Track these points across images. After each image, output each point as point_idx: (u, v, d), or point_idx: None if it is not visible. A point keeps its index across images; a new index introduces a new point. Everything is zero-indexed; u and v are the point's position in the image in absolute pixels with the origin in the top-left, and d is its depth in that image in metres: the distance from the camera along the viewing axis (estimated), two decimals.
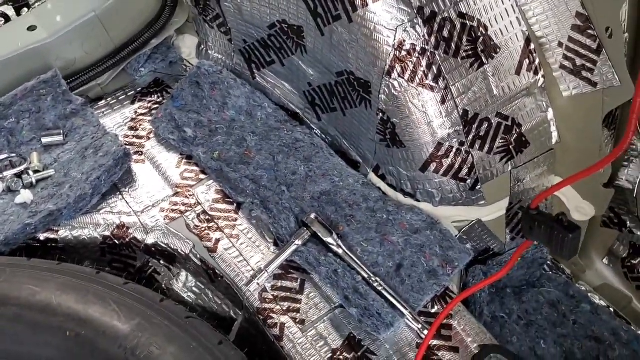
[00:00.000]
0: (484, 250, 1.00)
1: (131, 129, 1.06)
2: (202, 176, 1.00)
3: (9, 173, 0.96)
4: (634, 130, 0.62)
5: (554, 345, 0.95)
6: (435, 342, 0.85)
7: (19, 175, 0.96)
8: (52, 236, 0.93)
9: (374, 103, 0.88)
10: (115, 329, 0.77)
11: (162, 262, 0.96)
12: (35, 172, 0.96)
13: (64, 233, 0.94)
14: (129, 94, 1.11)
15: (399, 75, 0.83)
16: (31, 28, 1.00)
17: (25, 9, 1.13)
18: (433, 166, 0.89)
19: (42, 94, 1.00)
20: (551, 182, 0.98)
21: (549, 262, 1.09)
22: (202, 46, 1.11)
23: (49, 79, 1.00)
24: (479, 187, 0.92)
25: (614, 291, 1.08)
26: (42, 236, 0.93)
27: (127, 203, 0.97)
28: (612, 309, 1.06)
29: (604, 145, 0.98)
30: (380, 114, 0.88)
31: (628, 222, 1.04)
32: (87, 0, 1.03)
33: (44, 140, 0.99)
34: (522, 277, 1.03)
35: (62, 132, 1.00)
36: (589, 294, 1.06)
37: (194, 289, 0.96)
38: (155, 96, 1.11)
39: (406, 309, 0.84)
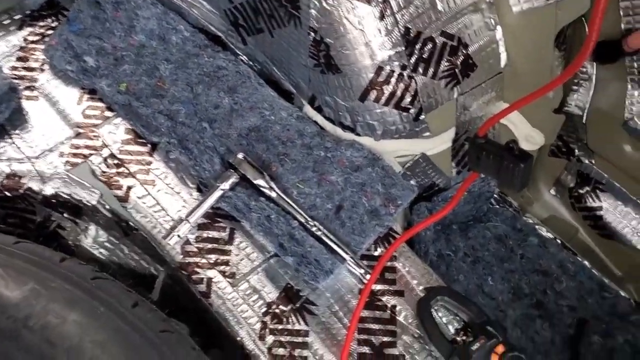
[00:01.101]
0: (429, 186, 0.93)
1: (20, 59, 0.89)
2: (108, 113, 0.86)
3: None
4: (594, 42, 0.54)
5: (501, 281, 0.90)
6: (379, 286, 0.77)
7: None
8: None
9: (304, 20, 0.76)
10: (3, 297, 0.65)
11: (66, 215, 0.83)
12: None
13: None
14: (15, 18, 0.93)
15: None
16: None
17: None
18: (373, 94, 0.79)
19: None
20: (499, 110, 0.91)
21: (495, 196, 1.04)
22: None
23: None
24: (423, 116, 0.83)
25: (561, 222, 1.04)
26: None
27: (19, 148, 0.82)
28: (559, 241, 1.03)
29: (554, 67, 0.90)
30: (312, 33, 0.76)
31: (576, 150, 0.99)
32: None
33: None
34: (468, 212, 0.97)
35: None
36: (536, 227, 1.02)
37: (106, 244, 0.84)
38: (49, 20, 0.93)
39: (347, 254, 0.76)
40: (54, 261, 0.70)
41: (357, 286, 0.77)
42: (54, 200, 0.80)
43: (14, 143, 0.83)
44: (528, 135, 0.90)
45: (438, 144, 0.87)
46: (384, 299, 0.77)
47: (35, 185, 0.80)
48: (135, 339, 0.66)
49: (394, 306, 0.77)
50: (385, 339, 0.75)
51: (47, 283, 0.66)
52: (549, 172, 1.04)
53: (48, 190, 0.80)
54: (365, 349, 0.74)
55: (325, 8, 0.72)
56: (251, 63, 0.91)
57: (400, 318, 0.76)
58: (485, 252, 0.93)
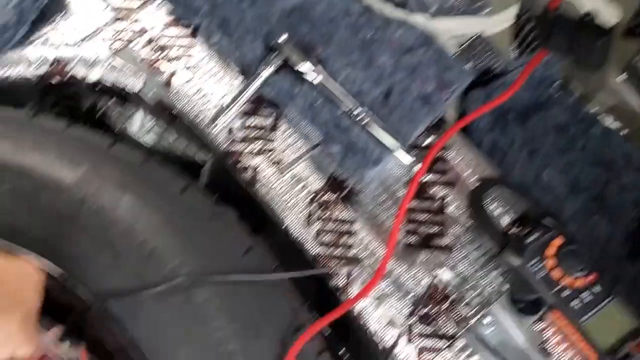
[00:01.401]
0: (486, 70, 0.86)
1: None
2: None
3: None
4: None
5: (560, 173, 0.85)
6: (428, 177, 0.75)
7: None
8: None
9: None
10: (58, 180, 0.66)
11: (112, 101, 0.83)
12: None
13: None
14: None
15: None
16: None
17: None
18: None
19: None
20: None
21: (557, 83, 0.96)
22: None
23: None
24: None
25: (629, 111, 0.96)
26: None
27: (62, 33, 0.81)
28: (624, 132, 0.95)
29: None
30: None
31: None
32: None
33: None
34: (527, 100, 0.90)
35: None
36: (601, 116, 0.95)
37: (152, 131, 0.84)
38: None
39: (396, 142, 0.73)
40: (104, 145, 0.71)
41: (406, 176, 0.75)
42: (98, 87, 0.80)
43: (56, 28, 0.81)
44: (601, 10, 0.81)
45: (498, 23, 0.79)
46: (434, 189, 0.75)
47: (79, 72, 0.79)
48: (186, 221, 0.67)
49: (444, 197, 0.74)
50: (434, 229, 0.73)
51: (99, 166, 0.67)
52: (620, 54, 0.95)
53: (92, 76, 0.79)
54: (413, 239, 0.73)
55: None
56: None
57: (450, 209, 0.74)
58: (544, 142, 0.88)
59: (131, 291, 0.63)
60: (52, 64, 0.79)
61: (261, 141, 0.76)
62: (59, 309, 0.66)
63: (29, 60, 0.79)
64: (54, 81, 0.79)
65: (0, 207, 0.65)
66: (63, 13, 0.82)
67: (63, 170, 0.67)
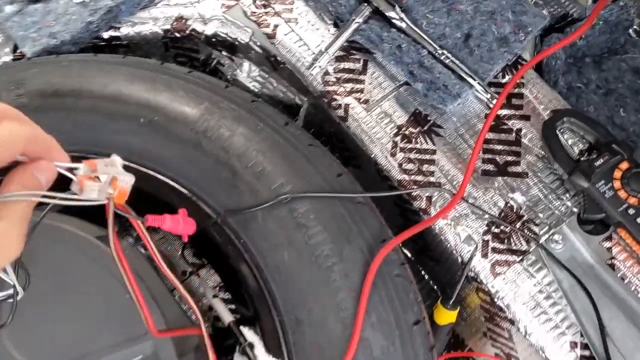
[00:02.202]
0: (562, 16, 0.91)
1: None
2: None
3: None
4: None
5: (634, 112, 0.90)
6: (505, 111, 0.82)
7: None
8: (115, 34, 0.94)
9: None
10: (185, 113, 0.80)
11: (224, 52, 0.96)
12: None
13: (125, 30, 0.94)
14: None
15: None
16: None
17: None
18: None
19: None
20: None
21: (634, 27, 0.99)
22: None
23: None
24: None
25: None
26: (105, 34, 0.94)
27: None
28: None
29: None
30: None
31: None
32: None
33: None
34: (603, 43, 0.94)
35: None
36: None
37: (257, 78, 0.96)
38: None
39: (475, 80, 0.81)
40: (220, 87, 0.84)
41: (484, 111, 0.83)
42: (214, 39, 0.93)
43: None
44: None
45: None
46: (510, 122, 0.82)
47: (198, 27, 0.92)
48: (288, 149, 0.79)
49: (519, 129, 0.82)
50: (509, 158, 0.81)
51: (217, 103, 0.80)
52: None
53: (209, 30, 0.92)
54: (490, 167, 0.81)
55: None
56: None
57: (525, 140, 0.81)
58: (619, 84, 0.92)
59: (246, 207, 0.76)
60: (174, 21, 0.93)
61: (352, 82, 0.86)
62: None
63: (156, 18, 0.94)
64: (177, 35, 0.94)
65: (139, 136, 0.80)
66: None
67: (188, 106, 0.80)
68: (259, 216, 0.76)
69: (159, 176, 0.79)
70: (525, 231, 0.77)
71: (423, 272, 0.92)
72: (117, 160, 0.49)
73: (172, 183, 0.78)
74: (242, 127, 0.79)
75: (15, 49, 0.95)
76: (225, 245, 0.79)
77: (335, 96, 0.86)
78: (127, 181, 0.48)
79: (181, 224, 0.62)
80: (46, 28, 0.92)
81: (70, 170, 0.46)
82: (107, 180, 0.47)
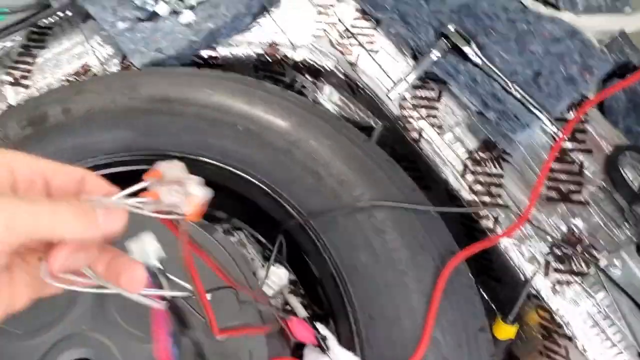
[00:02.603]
0: (624, 64, 0.99)
1: None
2: None
3: None
4: None
5: None
6: (569, 144, 0.89)
7: None
8: (213, 54, 1.05)
9: None
10: (278, 125, 0.89)
11: (308, 77, 1.05)
12: None
13: (223, 51, 1.05)
14: None
15: None
16: None
17: None
18: None
19: None
20: None
21: None
22: None
23: None
24: None
25: None
26: (204, 53, 1.05)
27: (276, 23, 1.05)
28: None
29: None
30: None
31: None
32: None
33: None
34: None
35: None
36: None
37: (337, 101, 1.05)
38: None
39: (542, 113, 0.89)
40: (310, 104, 0.94)
41: (549, 143, 0.90)
42: (301, 65, 1.03)
43: (273, 19, 1.06)
44: None
45: (638, 21, 0.92)
46: (573, 155, 0.89)
47: (288, 52, 1.03)
48: (368, 162, 0.87)
49: (582, 162, 0.88)
50: (572, 187, 0.87)
51: (307, 118, 0.89)
52: None
53: (297, 56, 1.02)
54: (553, 194, 0.87)
55: None
56: None
57: (588, 172, 0.87)
58: None
59: (329, 210, 0.84)
60: (267, 46, 1.04)
61: (427, 108, 0.94)
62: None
63: (250, 42, 1.05)
64: (267, 59, 1.04)
65: (236, 141, 0.89)
66: (276, 7, 1.07)
67: (282, 118, 0.90)
68: (340, 220, 0.83)
69: (250, 178, 0.88)
70: (586, 255, 0.82)
71: (483, 292, 0.97)
72: (182, 165, 0.46)
73: (261, 185, 0.87)
74: (329, 140, 0.88)
75: (123, 60, 1.07)
76: (306, 245, 0.86)
77: (411, 120, 0.94)
78: (201, 196, 0.45)
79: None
80: (154, 43, 1.04)
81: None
82: (186, 190, 0.44)
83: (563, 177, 0.88)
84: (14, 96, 1.10)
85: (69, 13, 1.16)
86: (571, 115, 0.91)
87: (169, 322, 0.44)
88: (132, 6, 1.08)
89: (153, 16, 1.07)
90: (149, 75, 0.97)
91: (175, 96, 0.92)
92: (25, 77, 1.12)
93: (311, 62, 1.02)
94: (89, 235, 0.39)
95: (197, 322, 0.74)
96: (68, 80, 1.09)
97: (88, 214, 0.39)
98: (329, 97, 1.05)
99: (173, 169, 0.44)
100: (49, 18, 1.15)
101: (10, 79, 1.12)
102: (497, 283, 0.90)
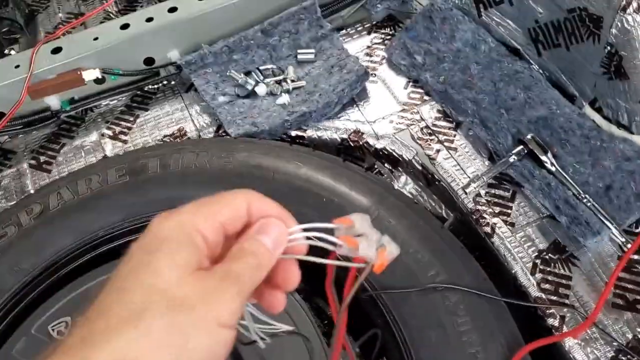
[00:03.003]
0: None
1: (367, 55, 1.25)
2: (425, 97, 1.16)
3: (271, 80, 1.19)
4: None
5: None
6: (636, 256, 0.93)
7: (279, 82, 1.18)
8: (301, 134, 1.15)
9: (603, 37, 0.96)
10: (360, 201, 0.96)
11: (386, 165, 1.13)
12: (292, 81, 1.18)
13: (310, 132, 1.14)
14: (365, 26, 1.29)
15: (634, 11, 0.91)
16: None
17: None
18: None
19: (301, 18, 1.21)
20: None
21: None
22: None
23: (308, 6, 1.20)
24: None
25: None
26: (293, 132, 1.15)
27: (362, 114, 1.16)
28: None
29: None
30: (608, 47, 0.96)
31: None
32: None
33: (299, 56, 1.21)
34: None
35: (314, 51, 1.20)
36: None
37: (411, 190, 1.12)
38: (388, 29, 1.28)
39: (612, 224, 0.93)
40: (388, 185, 1.01)
41: (617, 253, 0.94)
42: (381, 153, 1.11)
43: (359, 110, 1.16)
44: None
45: None
46: None
47: (371, 141, 1.12)
48: (444, 246, 0.92)
49: None
50: (638, 297, 0.90)
51: (386, 198, 0.96)
52: None
53: (379, 145, 1.11)
54: (620, 301, 0.89)
55: (626, 28, 0.92)
56: (541, 70, 1.13)
57: None
58: None
59: (403, 287, 0.87)
60: (352, 133, 1.13)
61: (500, 206, 1.00)
62: None
63: (337, 128, 1.14)
64: (351, 144, 1.13)
65: (320, 212, 0.95)
66: (365, 100, 1.17)
67: (364, 195, 0.96)
68: (413, 297, 0.87)
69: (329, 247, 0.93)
70: None
71: None
72: (369, 219, 0.46)
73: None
74: (406, 220, 0.93)
75: (217, 130, 1.17)
76: (375, 317, 0.89)
77: (484, 215, 1.00)
78: (394, 252, 0.46)
79: None
80: (250, 118, 1.14)
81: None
82: (378, 240, 0.45)
83: (630, 286, 0.90)
84: (111, 149, 1.20)
85: (173, 82, 1.29)
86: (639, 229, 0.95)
87: None
88: (234, 83, 1.20)
89: (251, 94, 1.19)
90: (244, 143, 1.06)
91: (267, 164, 1.00)
92: (124, 133, 1.23)
93: (391, 151, 1.10)
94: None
95: None
96: (163, 141, 1.19)
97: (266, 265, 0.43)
98: (404, 185, 1.12)
99: (364, 221, 0.45)
100: (156, 84, 1.28)
101: (110, 132, 1.23)
102: None
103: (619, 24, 0.93)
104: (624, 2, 0.91)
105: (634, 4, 0.91)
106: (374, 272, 0.46)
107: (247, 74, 1.21)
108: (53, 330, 0.89)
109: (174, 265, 0.39)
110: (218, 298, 0.39)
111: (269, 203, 0.46)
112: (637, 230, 0.95)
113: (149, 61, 1.24)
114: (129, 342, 0.35)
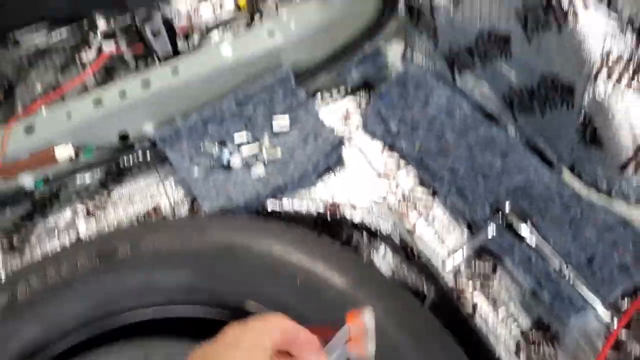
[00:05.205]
0: None
1: (343, 118, 1.23)
2: (402, 164, 1.13)
3: (246, 150, 1.17)
4: None
5: None
6: (624, 335, 0.89)
7: (254, 156, 1.17)
8: (276, 208, 1.12)
9: (577, 105, 0.94)
10: (336, 282, 0.92)
11: (364, 236, 1.10)
12: (267, 152, 1.16)
13: (286, 205, 1.12)
14: (341, 92, 1.28)
15: (604, 82, 0.89)
16: (270, 34, 1.21)
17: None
18: (632, 167, 0.93)
19: (275, 89, 1.20)
20: None
21: None
22: (408, 52, 1.25)
23: (283, 77, 1.19)
24: None
25: None
26: (269, 206, 1.12)
27: (338, 181, 1.13)
28: None
29: None
30: (582, 116, 0.94)
31: None
32: (315, 11, 1.22)
33: (275, 127, 1.19)
34: None
35: (288, 123, 1.19)
36: None
37: (391, 263, 1.09)
38: (364, 94, 1.26)
39: (597, 298, 0.90)
40: (365, 264, 0.97)
41: (603, 329, 0.90)
42: (359, 225, 1.08)
43: (336, 179, 1.14)
44: None
45: None
46: (629, 347, 0.88)
47: (347, 213, 1.09)
48: (421, 328, 0.88)
49: (638, 357, 0.87)
50: None
51: (364, 278, 0.93)
52: None
53: (356, 218, 1.08)
54: None
55: (597, 98, 0.90)
56: (519, 135, 1.11)
57: None
58: None
59: None
60: (329, 205, 1.10)
61: (480, 281, 0.97)
62: None
63: (313, 199, 1.12)
64: (327, 217, 1.10)
65: (294, 295, 0.92)
66: (341, 168, 1.15)
67: (340, 276, 0.93)
68: None
69: None
70: None
71: None
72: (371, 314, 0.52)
73: None
74: (383, 303, 0.90)
75: (192, 203, 1.15)
76: None
77: (466, 293, 0.96)
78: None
79: None
80: (225, 192, 1.12)
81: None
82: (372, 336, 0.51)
83: None
84: (84, 229, 1.18)
85: (148, 155, 1.27)
86: (625, 302, 0.91)
87: None
88: (209, 156, 1.18)
89: (227, 167, 1.17)
90: (216, 220, 1.04)
91: (240, 244, 0.97)
92: (98, 208, 1.21)
93: (368, 224, 1.07)
94: None
95: None
96: (137, 219, 1.17)
97: None
98: (383, 257, 1.09)
99: (371, 319, 0.50)
100: (130, 157, 1.27)
101: (84, 209, 1.21)
102: None
103: (590, 93, 0.91)
104: (594, 71, 0.90)
105: (604, 74, 0.89)
106: None
107: (222, 143, 1.20)
108: None
109: None
110: None
111: (299, 330, 0.53)
112: (623, 309, 0.91)
113: (123, 137, 1.23)
114: None
